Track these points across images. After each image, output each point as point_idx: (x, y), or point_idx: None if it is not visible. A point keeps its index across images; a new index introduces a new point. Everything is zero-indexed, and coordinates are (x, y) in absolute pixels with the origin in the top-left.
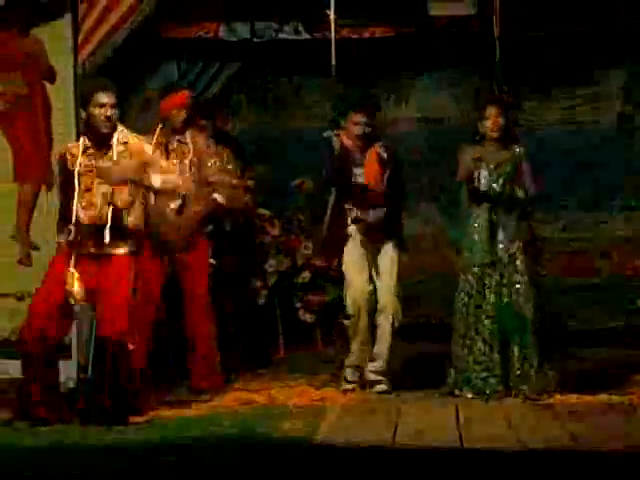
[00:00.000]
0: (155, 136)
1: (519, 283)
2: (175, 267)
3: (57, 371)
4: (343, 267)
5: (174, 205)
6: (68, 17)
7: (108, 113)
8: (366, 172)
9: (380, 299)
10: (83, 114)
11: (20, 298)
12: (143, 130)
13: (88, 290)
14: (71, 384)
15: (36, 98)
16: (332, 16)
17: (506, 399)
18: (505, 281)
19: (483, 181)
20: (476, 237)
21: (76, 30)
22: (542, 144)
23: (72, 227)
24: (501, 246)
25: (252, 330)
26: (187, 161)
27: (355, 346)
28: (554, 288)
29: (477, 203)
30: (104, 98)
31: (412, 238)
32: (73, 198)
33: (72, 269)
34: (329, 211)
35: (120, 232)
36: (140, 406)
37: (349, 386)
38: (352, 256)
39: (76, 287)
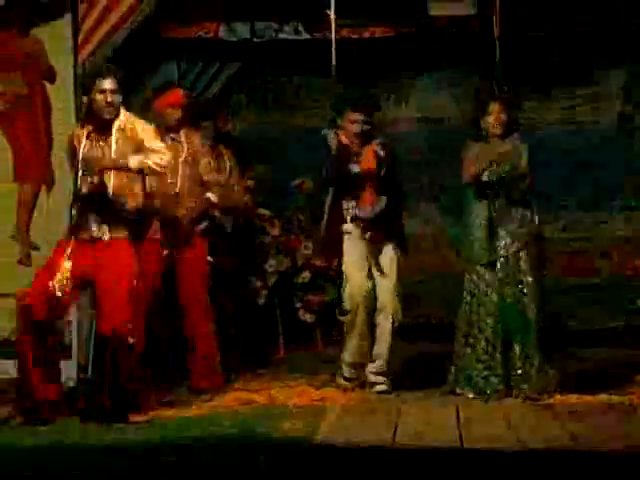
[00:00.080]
0: None
1: (523, 283)
2: (173, 266)
3: (56, 340)
4: (343, 266)
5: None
6: (68, 17)
7: (109, 99)
8: (362, 169)
9: (380, 298)
10: (85, 99)
11: None
12: None
13: (86, 279)
14: (71, 384)
15: (36, 98)
16: (332, 16)
17: (506, 399)
18: (509, 280)
19: (487, 173)
20: (476, 235)
21: (76, 30)
22: (542, 144)
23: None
24: (502, 244)
25: (252, 330)
26: (181, 160)
27: (351, 342)
28: (554, 288)
29: (483, 197)
30: (106, 84)
31: (412, 238)
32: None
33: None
34: (327, 210)
35: (119, 217)
36: (140, 403)
37: (348, 384)
38: (352, 255)
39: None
